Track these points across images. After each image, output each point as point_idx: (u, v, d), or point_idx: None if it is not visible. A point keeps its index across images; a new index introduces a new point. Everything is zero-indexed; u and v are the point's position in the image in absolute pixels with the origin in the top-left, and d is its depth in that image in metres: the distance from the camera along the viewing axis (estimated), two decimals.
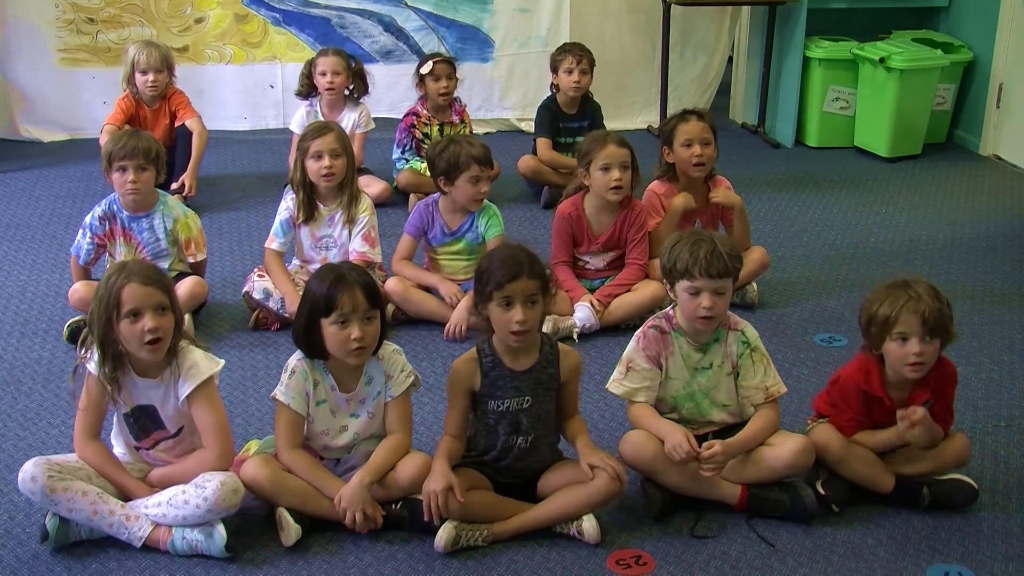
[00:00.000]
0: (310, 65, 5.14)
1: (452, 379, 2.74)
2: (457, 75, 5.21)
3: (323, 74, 5.05)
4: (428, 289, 3.94)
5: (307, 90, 5.16)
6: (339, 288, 2.59)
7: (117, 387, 2.61)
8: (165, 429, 2.69)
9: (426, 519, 2.62)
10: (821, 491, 2.80)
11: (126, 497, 2.66)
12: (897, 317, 2.68)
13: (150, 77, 4.99)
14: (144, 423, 2.68)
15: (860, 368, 2.83)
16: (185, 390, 2.62)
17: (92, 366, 2.61)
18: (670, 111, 6.44)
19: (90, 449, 2.66)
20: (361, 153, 5.15)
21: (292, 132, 5.14)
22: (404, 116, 5.26)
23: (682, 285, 2.78)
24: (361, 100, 5.20)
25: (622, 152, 3.83)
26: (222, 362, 2.71)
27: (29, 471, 2.54)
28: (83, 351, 2.63)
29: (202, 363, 2.65)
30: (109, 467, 2.66)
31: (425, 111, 5.19)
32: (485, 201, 4.05)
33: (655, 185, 4.10)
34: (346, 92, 5.16)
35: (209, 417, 2.63)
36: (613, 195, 3.85)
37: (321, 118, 5.03)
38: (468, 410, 2.75)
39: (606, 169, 3.82)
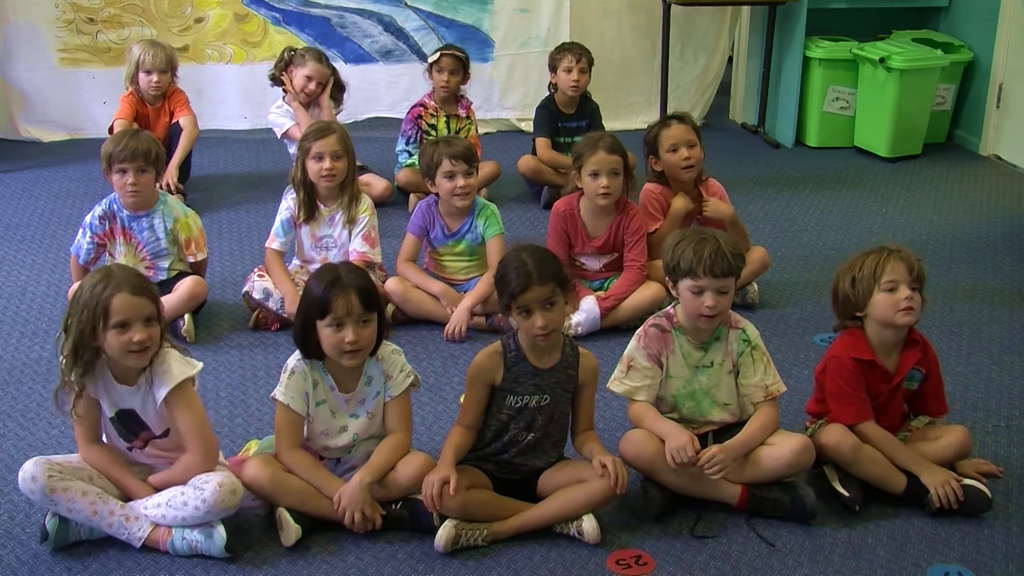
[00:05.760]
0: (291, 56, 5.10)
1: (474, 371, 2.74)
2: (466, 72, 5.16)
3: (309, 78, 5.04)
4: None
5: (280, 78, 5.12)
6: (334, 291, 2.59)
7: (83, 392, 2.58)
8: (150, 429, 2.69)
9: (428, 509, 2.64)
10: (842, 491, 2.80)
11: (127, 498, 2.65)
12: (884, 267, 2.80)
13: (154, 78, 5.01)
14: (130, 425, 2.67)
15: (845, 340, 2.89)
16: (160, 394, 2.60)
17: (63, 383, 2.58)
18: (670, 111, 6.46)
19: (93, 452, 2.66)
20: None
21: (278, 131, 5.12)
22: (412, 107, 5.24)
23: (685, 284, 2.78)
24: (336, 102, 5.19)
25: (612, 159, 3.82)
26: (199, 365, 2.68)
27: (29, 471, 2.54)
28: (61, 358, 2.59)
29: (175, 367, 2.62)
30: (114, 469, 2.66)
31: (432, 102, 5.19)
32: (483, 200, 4.06)
33: (650, 186, 4.10)
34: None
35: (186, 419, 2.61)
36: (601, 201, 3.85)
37: (295, 116, 5.03)
38: (485, 403, 2.75)
39: (595, 175, 3.82)
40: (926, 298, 2.85)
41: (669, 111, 6.43)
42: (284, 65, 5.13)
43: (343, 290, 2.60)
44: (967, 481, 2.82)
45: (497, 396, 2.74)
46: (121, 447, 2.71)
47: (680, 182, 4.02)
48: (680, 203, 3.99)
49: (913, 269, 2.80)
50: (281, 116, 5.10)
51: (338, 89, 5.17)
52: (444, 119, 5.15)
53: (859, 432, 2.82)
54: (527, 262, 2.65)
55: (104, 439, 2.74)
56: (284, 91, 5.12)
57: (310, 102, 5.09)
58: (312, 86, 5.05)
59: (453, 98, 5.19)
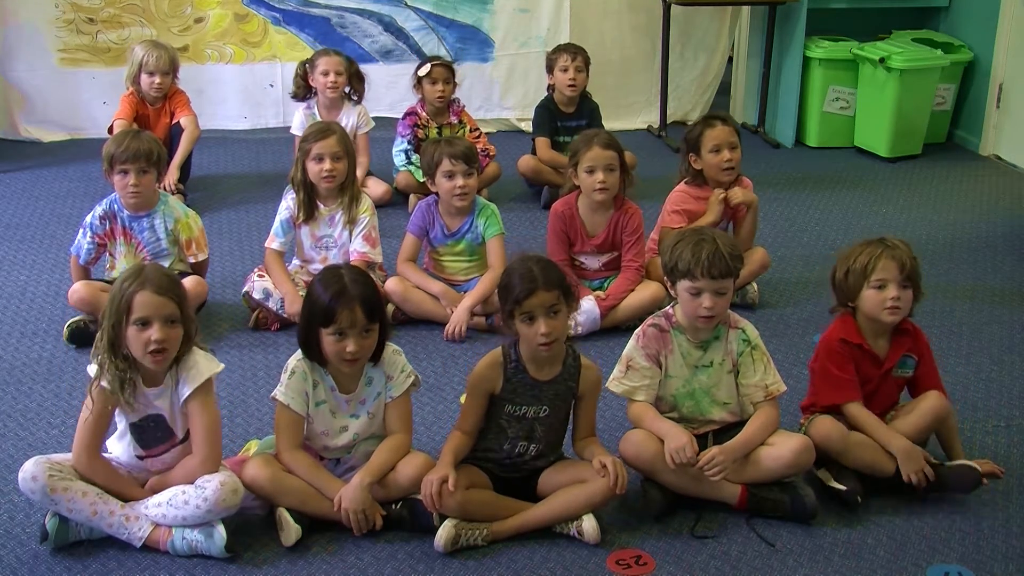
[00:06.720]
0: (305, 66, 5.15)
1: (474, 380, 2.74)
2: (456, 80, 5.18)
3: (325, 73, 5.05)
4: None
5: (303, 92, 5.17)
6: (339, 303, 2.60)
7: (133, 388, 2.59)
8: (174, 436, 2.68)
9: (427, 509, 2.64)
10: (839, 487, 2.80)
11: (126, 498, 2.65)
12: (875, 264, 2.83)
13: (156, 79, 5.02)
14: (155, 432, 2.67)
15: (836, 324, 2.93)
16: (186, 391, 2.61)
17: (104, 381, 2.57)
18: (670, 111, 6.49)
19: (93, 465, 2.61)
20: (368, 154, 5.14)
21: (295, 135, 5.14)
22: (404, 115, 5.21)
23: (683, 285, 2.79)
24: (359, 101, 5.21)
25: (607, 154, 3.83)
26: (222, 365, 2.70)
27: (30, 470, 2.54)
28: (96, 356, 2.60)
29: (203, 364, 2.64)
30: (115, 483, 2.63)
31: (424, 114, 5.17)
32: (483, 200, 4.06)
33: (683, 187, 4.09)
34: (344, 92, 5.17)
35: (201, 420, 2.62)
36: (598, 196, 3.85)
37: (319, 119, 5.04)
38: (485, 410, 2.75)
39: (591, 171, 3.82)
40: (924, 292, 2.88)
41: (669, 111, 6.47)
42: (302, 78, 5.14)
43: (348, 302, 2.60)
44: (955, 462, 2.86)
45: (496, 404, 2.74)
46: (129, 454, 2.69)
47: (718, 182, 4.04)
48: (719, 196, 4.01)
49: (904, 267, 2.82)
50: (305, 120, 5.10)
51: (358, 80, 5.17)
52: (436, 130, 5.13)
53: (845, 412, 2.85)
54: (532, 268, 2.65)
55: (112, 440, 2.72)
56: (313, 95, 5.15)
57: (335, 102, 5.12)
58: (332, 77, 5.04)
59: (446, 107, 5.18)
